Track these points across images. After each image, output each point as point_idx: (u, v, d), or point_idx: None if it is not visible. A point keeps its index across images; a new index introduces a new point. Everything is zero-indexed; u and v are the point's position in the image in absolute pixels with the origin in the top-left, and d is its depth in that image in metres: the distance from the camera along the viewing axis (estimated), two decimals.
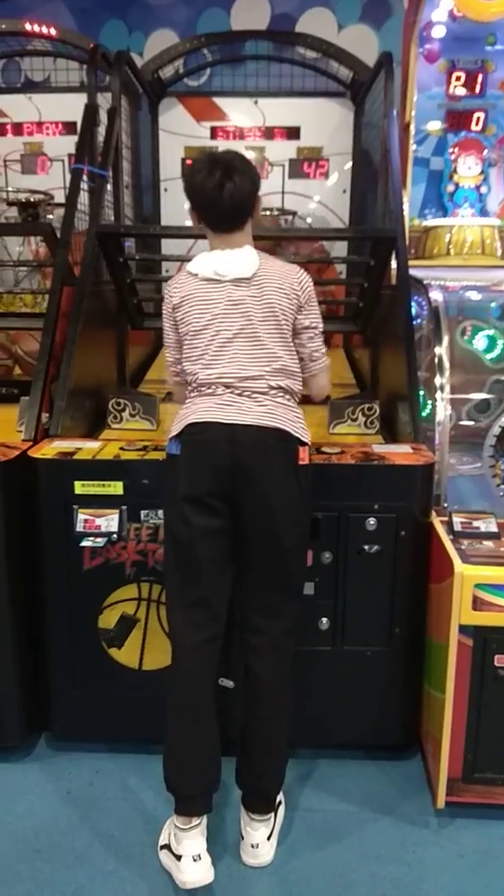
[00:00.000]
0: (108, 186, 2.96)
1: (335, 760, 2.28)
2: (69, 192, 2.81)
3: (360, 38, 3.82)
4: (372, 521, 2.10)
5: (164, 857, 1.87)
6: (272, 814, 1.95)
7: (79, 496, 2.12)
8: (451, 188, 3.19)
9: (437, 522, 2.15)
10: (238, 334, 1.80)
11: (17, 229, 3.32)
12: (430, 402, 2.43)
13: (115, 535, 2.13)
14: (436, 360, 2.43)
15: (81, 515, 2.12)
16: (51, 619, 2.22)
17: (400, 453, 2.20)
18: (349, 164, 3.70)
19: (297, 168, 3.72)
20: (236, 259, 1.82)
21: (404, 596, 2.15)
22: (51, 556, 2.17)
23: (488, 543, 2.07)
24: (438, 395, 2.37)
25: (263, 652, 1.87)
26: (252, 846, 1.89)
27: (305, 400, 2.00)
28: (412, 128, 3.08)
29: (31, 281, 3.37)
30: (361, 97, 3.57)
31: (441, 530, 2.11)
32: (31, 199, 3.18)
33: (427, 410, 2.43)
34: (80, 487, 2.12)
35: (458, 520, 2.13)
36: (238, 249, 1.83)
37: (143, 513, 2.13)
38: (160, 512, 2.10)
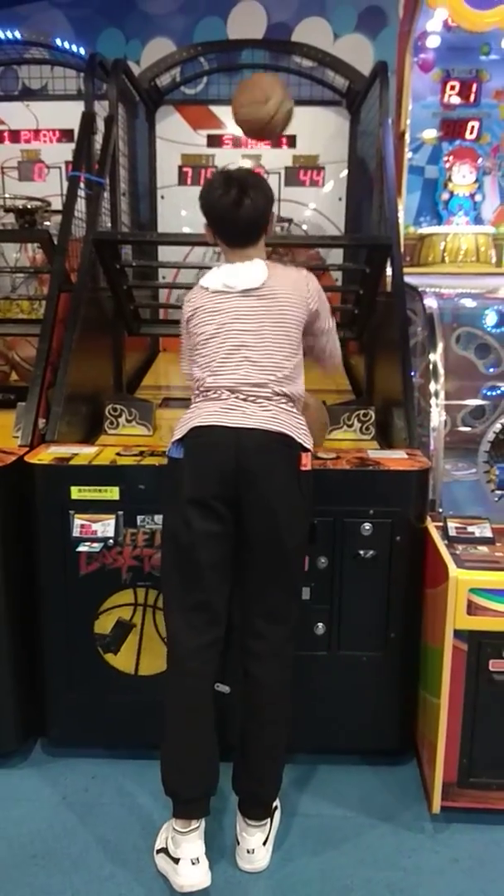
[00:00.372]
0: (105, 194, 2.98)
1: (331, 765, 2.28)
2: (66, 200, 2.83)
3: (356, 47, 3.85)
4: (367, 526, 2.11)
5: (161, 860, 1.87)
6: (268, 819, 1.95)
7: (75, 501, 2.13)
8: (445, 196, 3.21)
9: (433, 527, 2.16)
10: (245, 343, 1.84)
11: (14, 236, 3.33)
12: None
13: (111, 541, 2.13)
14: (430, 366, 2.44)
15: (78, 521, 2.13)
16: (47, 624, 2.22)
17: (395, 459, 2.22)
18: (345, 172, 3.73)
19: (293, 176, 3.75)
20: (245, 271, 1.87)
21: (400, 601, 2.16)
22: (47, 561, 2.18)
23: (483, 548, 2.08)
24: (433, 401, 2.39)
25: (264, 657, 1.87)
26: (248, 851, 1.89)
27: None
28: (407, 136, 3.11)
29: (28, 287, 3.39)
30: (357, 106, 3.59)
31: (436, 535, 2.12)
32: (29, 206, 3.20)
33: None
34: (76, 493, 2.13)
35: (452, 525, 2.14)
36: (248, 262, 1.88)
37: (139, 518, 2.14)
38: (156, 517, 2.11)
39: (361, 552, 2.12)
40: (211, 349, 1.86)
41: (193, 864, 1.78)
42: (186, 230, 3.71)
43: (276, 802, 2.00)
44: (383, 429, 2.62)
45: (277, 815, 2.01)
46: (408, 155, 3.13)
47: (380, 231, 2.99)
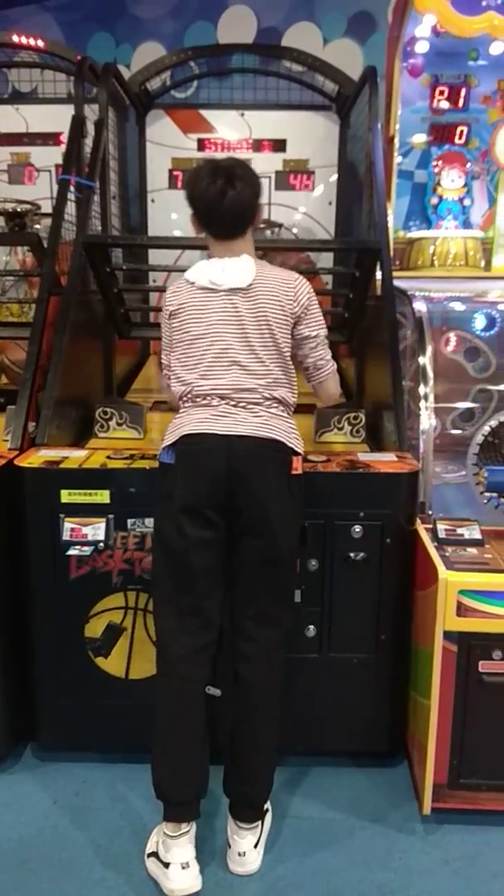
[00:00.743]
0: (95, 197, 2.98)
1: (322, 767, 2.29)
2: (56, 203, 2.82)
3: (346, 52, 3.88)
4: (357, 528, 2.12)
5: (152, 864, 1.87)
6: (259, 822, 1.95)
7: (65, 505, 2.13)
8: (434, 200, 3.23)
9: (422, 530, 2.17)
10: (234, 345, 1.81)
11: (3, 239, 3.31)
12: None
13: (101, 544, 2.13)
14: (420, 369, 2.46)
15: (68, 524, 2.13)
16: (37, 628, 2.21)
17: (385, 461, 2.23)
18: (335, 177, 3.74)
19: (283, 180, 3.75)
20: (233, 268, 1.81)
21: (390, 603, 2.17)
22: (37, 564, 2.17)
23: (472, 550, 2.09)
24: (423, 404, 2.40)
25: (255, 660, 1.87)
26: (239, 854, 1.89)
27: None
28: (396, 141, 3.12)
29: (17, 290, 3.37)
30: (347, 110, 3.61)
31: (426, 537, 2.13)
32: (18, 209, 3.18)
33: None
34: (66, 496, 2.12)
35: (442, 527, 2.15)
36: (236, 258, 1.83)
37: (129, 521, 2.14)
38: (147, 520, 2.11)
39: (352, 554, 2.13)
40: (198, 351, 1.84)
41: (183, 868, 1.78)
42: (177, 234, 3.71)
43: (268, 805, 2.00)
44: (373, 431, 2.62)
45: (268, 817, 2.01)
46: (397, 159, 3.14)
47: (369, 235, 3.00)
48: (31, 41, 3.60)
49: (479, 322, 2.72)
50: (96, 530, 2.14)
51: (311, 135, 3.71)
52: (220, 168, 1.77)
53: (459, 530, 2.15)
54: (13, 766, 2.29)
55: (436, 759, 2.00)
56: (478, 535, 2.14)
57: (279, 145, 3.73)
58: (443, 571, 1.92)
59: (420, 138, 3.22)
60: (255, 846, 1.91)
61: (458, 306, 2.82)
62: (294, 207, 3.77)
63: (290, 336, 1.86)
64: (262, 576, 1.83)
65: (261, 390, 1.83)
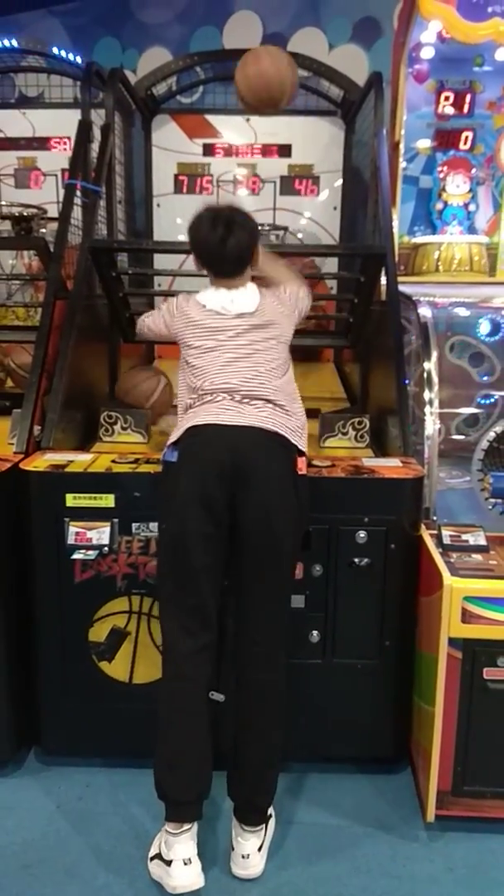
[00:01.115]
0: (102, 202, 2.99)
1: (326, 773, 2.28)
2: (62, 207, 2.83)
3: (351, 57, 3.88)
4: (362, 534, 2.12)
5: (154, 866, 1.87)
6: (263, 825, 1.95)
7: (70, 509, 2.13)
8: (439, 206, 3.23)
9: (427, 536, 2.17)
10: (242, 358, 1.92)
11: (10, 243, 3.33)
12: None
13: (106, 548, 2.14)
14: (425, 374, 2.46)
15: (73, 528, 2.13)
16: (41, 632, 2.21)
17: (389, 467, 2.22)
18: (339, 182, 3.75)
19: (288, 185, 3.76)
20: (240, 297, 1.98)
21: (394, 609, 2.17)
22: (42, 568, 2.17)
23: (477, 556, 2.09)
24: (427, 409, 2.40)
25: (257, 661, 1.88)
26: (243, 857, 1.89)
27: None
28: (402, 146, 3.12)
29: (23, 294, 3.39)
30: (352, 116, 3.62)
31: (430, 543, 2.12)
32: (25, 214, 3.20)
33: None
34: (71, 500, 2.13)
35: (447, 533, 2.15)
36: (242, 289, 1.99)
37: (134, 525, 2.14)
38: (151, 525, 2.11)
39: (356, 560, 2.13)
40: (207, 361, 1.93)
41: (186, 864, 1.78)
42: (182, 238, 3.71)
43: (271, 810, 2.00)
44: (378, 437, 2.63)
45: (272, 822, 2.01)
46: (402, 165, 3.14)
47: (374, 240, 3.01)
48: (38, 46, 3.62)
49: (484, 327, 2.72)
50: (101, 534, 2.14)
51: (316, 140, 3.72)
52: (220, 217, 1.92)
53: (464, 536, 2.15)
54: (17, 770, 2.29)
55: (440, 766, 1.99)
56: (483, 541, 2.14)
57: (284, 150, 3.74)
58: (448, 578, 1.92)
59: (425, 144, 3.22)
60: (259, 849, 1.91)
61: (463, 312, 2.82)
62: (299, 212, 3.78)
63: (290, 336, 2.05)
64: (263, 573, 1.84)
65: (267, 392, 1.89)
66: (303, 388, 2.10)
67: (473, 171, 3.21)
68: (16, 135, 3.75)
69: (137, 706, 2.17)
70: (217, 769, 1.89)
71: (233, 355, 1.92)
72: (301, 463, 1.88)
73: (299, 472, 1.87)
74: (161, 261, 3.59)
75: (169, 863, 1.80)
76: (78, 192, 2.87)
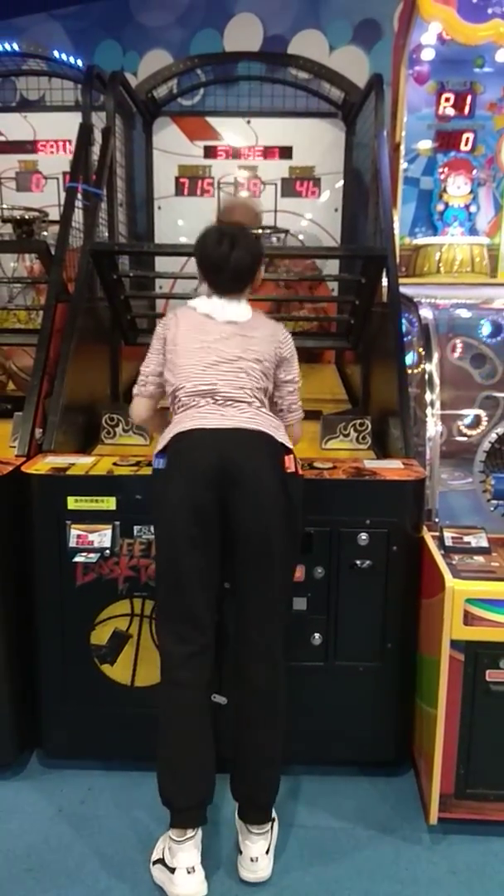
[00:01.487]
0: (103, 205, 2.99)
1: (328, 777, 2.28)
2: (64, 210, 2.84)
3: (352, 59, 3.88)
4: (364, 536, 2.12)
5: (157, 871, 1.87)
6: (269, 824, 1.94)
7: (72, 512, 2.13)
8: (440, 207, 3.23)
9: (429, 537, 2.17)
10: (226, 362, 1.91)
11: (11, 246, 3.34)
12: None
13: (107, 551, 2.13)
14: (426, 376, 2.45)
15: (74, 531, 2.13)
16: (43, 635, 2.21)
17: (391, 469, 2.22)
18: (340, 184, 3.75)
19: (289, 187, 3.77)
20: (231, 307, 1.96)
21: (396, 611, 2.16)
22: (43, 571, 2.17)
23: (479, 558, 2.08)
24: (429, 410, 2.40)
25: (257, 660, 1.87)
26: (251, 860, 1.88)
27: None
28: (402, 148, 3.12)
29: (25, 297, 3.40)
30: (352, 118, 3.62)
31: (432, 545, 2.12)
32: (26, 217, 3.21)
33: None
34: (73, 503, 2.13)
35: (449, 535, 2.14)
36: (235, 301, 1.98)
37: (135, 528, 2.14)
38: (153, 527, 2.11)
39: (358, 562, 2.12)
40: (190, 361, 1.92)
41: (189, 873, 1.78)
42: (183, 240, 3.73)
43: (274, 814, 1.99)
44: (379, 438, 2.62)
45: (275, 826, 2.00)
46: (403, 166, 3.15)
47: (375, 242, 3.01)
48: (39, 49, 3.63)
49: (486, 328, 2.71)
50: (102, 537, 2.14)
51: (317, 142, 3.73)
52: (226, 234, 1.93)
53: (466, 538, 2.14)
54: (19, 773, 2.29)
55: (442, 769, 1.99)
56: (485, 544, 2.13)
57: (285, 152, 3.75)
58: (449, 580, 1.91)
59: (426, 145, 3.22)
60: (267, 852, 1.91)
61: (465, 313, 2.82)
62: (300, 214, 3.79)
63: (272, 374, 1.98)
64: (257, 573, 1.83)
65: (248, 395, 1.90)
66: (304, 390, 2.10)
67: (474, 172, 3.21)
68: (17, 138, 3.76)
69: (139, 709, 2.17)
70: (220, 772, 1.89)
71: (217, 358, 1.91)
72: (289, 461, 1.88)
73: (288, 471, 1.86)
74: (162, 263, 3.59)
75: (172, 870, 1.80)
76: (79, 196, 2.88)
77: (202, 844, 1.85)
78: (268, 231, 3.64)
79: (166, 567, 1.83)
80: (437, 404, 2.42)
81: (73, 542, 2.13)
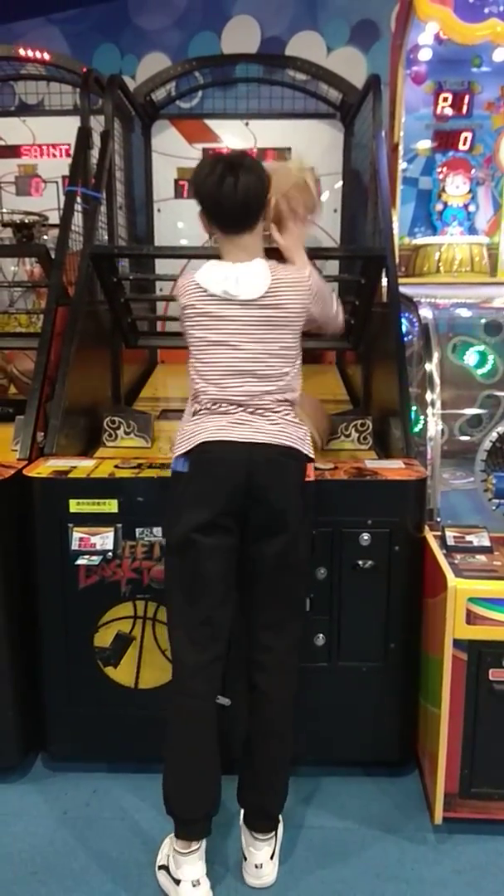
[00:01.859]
0: (102, 208, 2.99)
1: (332, 777, 2.28)
2: (63, 214, 2.84)
3: (349, 60, 3.88)
4: (366, 536, 2.12)
5: (163, 878, 1.87)
6: (274, 832, 1.94)
7: (74, 514, 2.13)
8: (439, 207, 3.23)
9: (431, 537, 2.17)
10: (248, 353, 1.80)
11: (12, 250, 3.34)
12: (422, 417, 2.45)
13: (110, 553, 2.13)
14: (426, 376, 2.46)
15: (76, 534, 2.13)
16: (46, 638, 2.22)
17: (392, 468, 2.22)
18: (339, 184, 3.75)
19: None
20: (246, 278, 1.79)
21: (399, 611, 2.16)
22: (46, 574, 2.17)
23: (481, 557, 2.08)
24: (429, 410, 2.40)
25: (271, 668, 1.86)
26: (256, 866, 1.88)
27: None
28: (401, 148, 3.12)
29: (25, 301, 3.40)
30: (351, 118, 3.62)
31: (434, 545, 2.12)
32: (26, 221, 3.21)
33: (419, 426, 2.45)
34: (75, 506, 2.13)
35: (451, 534, 2.14)
36: (248, 263, 1.80)
37: (138, 530, 2.14)
38: (156, 529, 2.11)
39: (360, 562, 2.12)
40: (212, 359, 1.81)
41: (194, 885, 1.78)
42: (183, 243, 3.73)
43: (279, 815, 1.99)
44: (380, 438, 2.62)
45: (280, 828, 2.00)
46: (402, 166, 3.15)
47: (374, 242, 3.01)
48: (38, 54, 3.64)
49: (486, 328, 2.71)
50: (105, 540, 2.14)
51: (315, 143, 3.72)
52: (224, 160, 1.76)
53: (468, 537, 2.14)
54: (23, 776, 2.29)
55: (446, 769, 1.99)
56: (486, 543, 2.13)
57: (284, 154, 3.74)
58: (452, 579, 1.91)
59: (424, 145, 3.23)
60: (271, 857, 1.91)
61: (465, 312, 2.82)
62: None
63: (302, 325, 1.86)
64: (277, 583, 1.82)
65: (275, 394, 1.82)
66: (305, 391, 2.10)
67: (473, 171, 3.21)
68: (16, 142, 3.76)
69: (143, 711, 2.17)
70: (227, 774, 1.89)
71: (239, 354, 1.79)
72: (310, 469, 1.86)
73: (307, 479, 1.84)
74: (162, 266, 3.60)
75: (178, 882, 1.79)
76: (78, 199, 2.88)
77: (209, 847, 1.85)
78: (266, 233, 3.64)
79: (185, 573, 1.79)
80: (438, 404, 2.42)
81: (75, 545, 2.13)
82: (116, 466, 2.23)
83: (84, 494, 2.13)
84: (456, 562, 2.03)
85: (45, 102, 3.88)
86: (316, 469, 2.17)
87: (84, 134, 3.02)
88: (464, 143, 3.20)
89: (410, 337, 2.67)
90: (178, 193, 3.79)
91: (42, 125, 3.75)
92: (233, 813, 2.00)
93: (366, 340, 2.94)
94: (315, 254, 3.59)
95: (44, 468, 2.20)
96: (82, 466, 2.23)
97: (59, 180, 3.71)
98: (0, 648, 2.14)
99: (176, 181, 3.77)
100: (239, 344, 1.79)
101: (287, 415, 1.85)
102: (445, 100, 3.17)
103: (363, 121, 3.38)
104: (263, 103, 3.77)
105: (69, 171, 3.02)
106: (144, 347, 3.38)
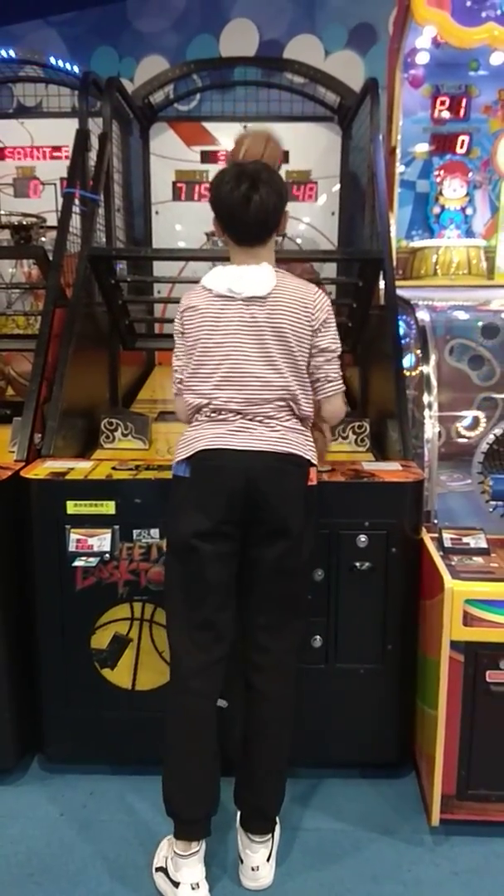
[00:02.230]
0: (100, 210, 3.00)
1: (329, 779, 2.28)
2: (61, 216, 2.85)
3: (347, 63, 3.90)
4: (363, 538, 2.12)
5: (160, 880, 1.86)
6: (271, 834, 1.94)
7: (71, 516, 2.13)
8: (437, 210, 3.24)
9: (428, 539, 2.17)
10: (250, 356, 1.77)
11: (9, 252, 3.34)
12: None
13: (107, 555, 2.13)
14: (424, 378, 2.46)
15: (74, 535, 2.13)
16: (43, 640, 2.21)
17: (390, 471, 2.23)
18: (337, 187, 3.76)
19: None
20: (251, 276, 1.77)
21: (396, 612, 2.16)
22: (43, 576, 2.17)
23: (478, 559, 2.08)
24: (426, 412, 2.41)
25: (269, 670, 1.87)
26: (252, 869, 1.88)
27: None
28: (398, 151, 3.14)
29: (23, 303, 3.40)
30: (348, 121, 3.63)
31: (431, 547, 2.12)
32: (24, 223, 3.21)
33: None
34: (72, 507, 2.13)
35: (448, 536, 2.15)
36: (255, 266, 1.79)
37: (135, 532, 2.14)
38: (153, 531, 2.11)
39: (357, 564, 2.13)
40: (213, 362, 1.79)
41: (193, 889, 1.78)
42: (181, 245, 3.74)
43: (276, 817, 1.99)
44: (378, 440, 2.63)
45: (277, 830, 2.00)
46: (399, 169, 3.16)
47: (372, 245, 3.02)
48: (35, 56, 3.65)
49: (483, 330, 2.72)
50: (102, 541, 2.14)
51: (313, 146, 3.74)
52: (245, 173, 1.73)
53: (465, 539, 2.15)
54: (20, 777, 2.29)
55: (444, 770, 1.99)
56: (483, 544, 2.14)
57: (282, 157, 3.75)
58: (449, 581, 1.91)
59: (422, 148, 3.23)
60: (268, 860, 1.90)
61: (462, 315, 2.83)
62: (297, 218, 3.79)
63: (307, 347, 1.82)
64: (278, 586, 1.82)
65: (277, 401, 1.79)
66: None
67: (470, 174, 3.22)
68: (14, 144, 3.77)
69: (140, 713, 2.17)
70: (224, 776, 1.89)
71: (240, 355, 1.76)
72: (312, 474, 1.83)
73: (310, 484, 1.82)
74: (160, 268, 3.61)
75: (176, 885, 1.79)
76: (76, 201, 2.89)
77: (208, 848, 1.85)
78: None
79: (186, 577, 1.79)
80: (435, 406, 2.43)
81: (72, 547, 2.13)
82: (114, 468, 2.23)
83: (81, 496, 2.13)
84: (453, 563, 2.03)
85: (44, 105, 3.89)
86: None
87: (82, 136, 3.02)
88: (461, 147, 3.21)
89: (407, 339, 2.67)
90: (176, 196, 3.80)
91: (40, 127, 3.76)
92: (230, 814, 2.00)
93: (363, 343, 2.94)
94: (313, 256, 3.65)
95: (41, 470, 2.20)
96: (80, 468, 2.23)
97: (57, 182, 3.72)
98: None
99: (174, 183, 3.79)
100: (240, 344, 1.78)
101: (288, 421, 1.81)
102: (443, 103, 3.18)
103: (361, 124, 3.40)
104: (261, 106, 3.78)
105: (67, 174, 3.03)
106: (142, 349, 3.39)
